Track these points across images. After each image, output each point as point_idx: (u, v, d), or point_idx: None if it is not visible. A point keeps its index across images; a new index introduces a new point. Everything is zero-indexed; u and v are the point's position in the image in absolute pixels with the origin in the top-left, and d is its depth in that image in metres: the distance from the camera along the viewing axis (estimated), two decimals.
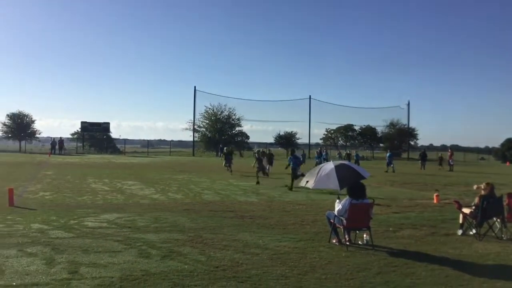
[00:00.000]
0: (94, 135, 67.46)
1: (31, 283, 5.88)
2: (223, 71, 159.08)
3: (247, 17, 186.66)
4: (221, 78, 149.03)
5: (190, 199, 14.90)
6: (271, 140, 71.16)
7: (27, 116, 61.14)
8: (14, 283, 5.84)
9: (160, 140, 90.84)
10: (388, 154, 36.62)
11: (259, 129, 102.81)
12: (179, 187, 18.64)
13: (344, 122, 77.59)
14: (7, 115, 60.19)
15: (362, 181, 8.62)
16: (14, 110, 63.53)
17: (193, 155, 59.49)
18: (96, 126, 63.88)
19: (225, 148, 33.30)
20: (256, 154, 26.74)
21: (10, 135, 60.82)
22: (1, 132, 60.28)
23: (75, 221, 10.19)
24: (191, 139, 64.63)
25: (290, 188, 17.99)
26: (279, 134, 70.88)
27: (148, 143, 69.59)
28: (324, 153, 41.03)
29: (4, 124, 59.97)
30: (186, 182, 20.97)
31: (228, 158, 27.44)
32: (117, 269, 6.59)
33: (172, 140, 72.70)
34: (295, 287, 6.05)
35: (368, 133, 77.51)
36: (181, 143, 76.19)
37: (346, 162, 10.30)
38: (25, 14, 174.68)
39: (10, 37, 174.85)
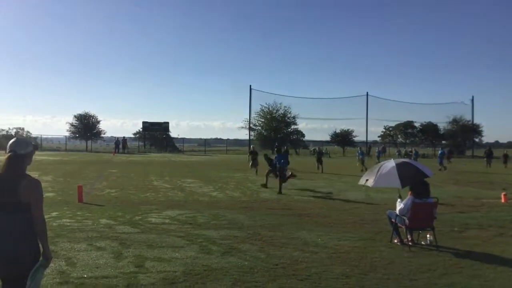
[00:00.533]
0: (155, 135, 69.70)
1: (101, 275, 6.19)
2: (278, 70, 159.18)
3: (304, 15, 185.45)
4: (276, 77, 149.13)
5: (248, 197, 15.06)
6: (327, 138, 70.42)
7: (92, 116, 64.39)
8: (85, 275, 6.17)
9: (216, 139, 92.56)
10: (440, 152, 35.43)
11: (315, 127, 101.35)
12: (236, 185, 18.89)
13: (403, 119, 75.38)
14: (75, 116, 63.64)
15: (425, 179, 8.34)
16: (81, 111, 66.97)
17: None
18: (157, 125, 66.08)
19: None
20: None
21: (77, 135, 64.20)
22: (69, 133, 63.75)
23: (140, 217, 10.60)
24: (247, 137, 65.21)
25: (280, 192, 16.04)
26: (335, 131, 70.01)
27: (205, 142, 71.06)
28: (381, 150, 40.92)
29: (72, 125, 63.39)
30: (243, 180, 21.21)
31: (255, 159, 25.27)
32: (180, 263, 6.79)
33: (228, 139, 73.80)
34: (356, 286, 5.97)
35: (430, 130, 74.77)
36: (237, 142, 77.17)
37: (408, 160, 10.02)
38: (86, 15, 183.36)
39: (74, 40, 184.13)
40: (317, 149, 35.88)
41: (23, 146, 3.78)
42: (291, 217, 11.01)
